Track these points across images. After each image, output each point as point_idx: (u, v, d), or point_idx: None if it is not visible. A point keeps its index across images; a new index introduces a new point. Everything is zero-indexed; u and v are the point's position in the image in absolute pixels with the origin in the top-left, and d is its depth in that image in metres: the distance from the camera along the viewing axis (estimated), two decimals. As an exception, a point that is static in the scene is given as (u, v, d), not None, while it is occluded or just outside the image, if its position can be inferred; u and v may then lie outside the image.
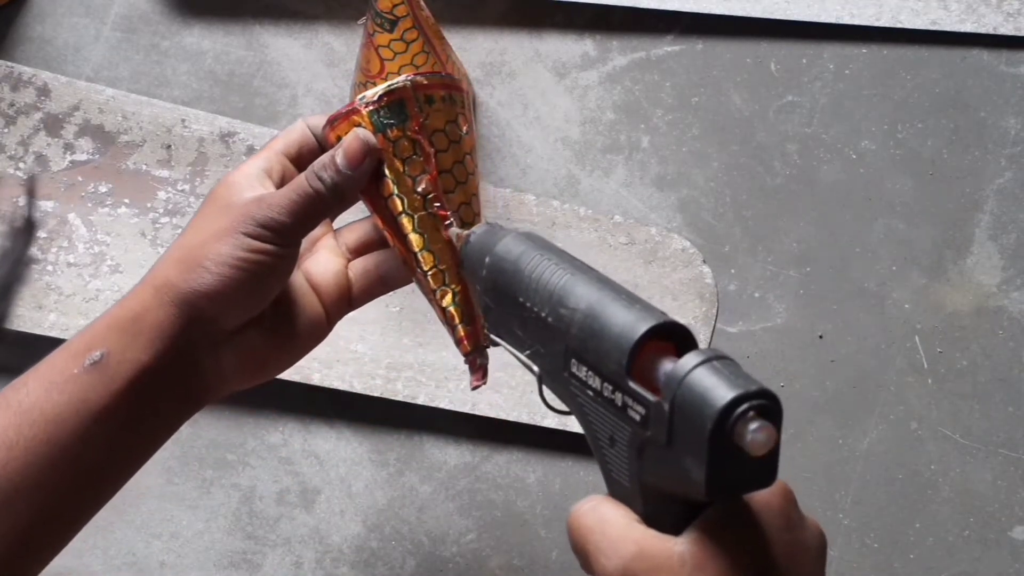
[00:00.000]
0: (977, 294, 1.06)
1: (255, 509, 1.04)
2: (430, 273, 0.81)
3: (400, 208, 0.80)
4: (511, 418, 1.03)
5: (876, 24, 1.08)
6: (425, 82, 0.79)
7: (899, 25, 1.08)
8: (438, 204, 0.80)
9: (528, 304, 0.72)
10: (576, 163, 1.08)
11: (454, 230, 0.80)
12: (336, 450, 1.04)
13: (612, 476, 0.68)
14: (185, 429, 1.04)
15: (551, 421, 1.02)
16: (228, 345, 0.78)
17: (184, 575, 1.03)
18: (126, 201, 1.06)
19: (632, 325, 0.66)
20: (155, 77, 1.09)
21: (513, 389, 1.03)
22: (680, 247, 1.05)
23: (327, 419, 1.05)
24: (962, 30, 1.08)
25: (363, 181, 0.79)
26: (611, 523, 0.66)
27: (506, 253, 0.74)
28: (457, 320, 0.81)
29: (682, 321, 0.67)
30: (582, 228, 1.05)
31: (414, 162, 0.79)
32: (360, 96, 0.79)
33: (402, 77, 0.79)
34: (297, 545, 1.03)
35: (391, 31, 1.01)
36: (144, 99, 1.08)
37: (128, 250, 1.05)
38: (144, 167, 1.07)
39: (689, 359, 0.63)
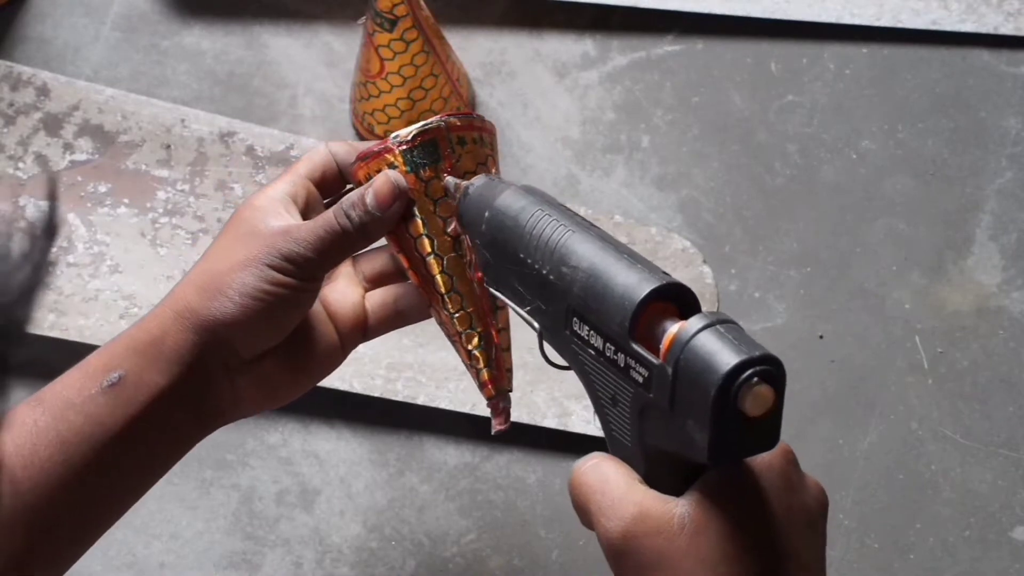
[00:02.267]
0: (977, 294, 1.06)
1: (255, 509, 1.04)
2: (457, 316, 0.80)
3: (429, 249, 0.79)
4: (511, 418, 1.02)
5: (876, 24, 1.09)
6: (459, 123, 0.79)
7: (899, 25, 1.09)
8: (468, 247, 0.79)
9: (529, 261, 0.71)
10: (576, 163, 1.08)
11: (451, 179, 0.79)
12: (336, 450, 1.04)
13: (613, 435, 0.68)
14: (185, 429, 1.04)
15: (551, 421, 1.02)
16: (244, 372, 0.78)
17: (184, 575, 1.03)
18: (126, 201, 1.06)
19: (635, 286, 0.65)
20: (155, 77, 1.09)
21: (513, 390, 1.03)
22: (680, 247, 1.05)
23: (327, 419, 1.05)
24: (962, 30, 1.08)
25: (391, 223, 0.78)
26: (612, 483, 0.66)
27: (506, 208, 0.73)
28: (482, 364, 0.81)
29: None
30: (582, 228, 1.05)
31: (445, 203, 0.79)
32: (394, 135, 0.79)
33: (436, 118, 0.79)
34: (297, 545, 1.03)
35: (391, 31, 1.01)
36: (144, 99, 1.08)
37: (128, 250, 1.05)
38: (144, 167, 1.06)
39: (693, 323, 0.62)
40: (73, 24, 1.10)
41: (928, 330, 1.05)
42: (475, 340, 0.80)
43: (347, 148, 0.82)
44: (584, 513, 0.67)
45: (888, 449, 1.04)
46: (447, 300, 0.80)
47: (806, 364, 1.05)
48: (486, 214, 0.74)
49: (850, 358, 1.05)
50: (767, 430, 0.63)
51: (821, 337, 1.05)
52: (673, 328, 0.63)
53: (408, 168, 0.78)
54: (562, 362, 0.71)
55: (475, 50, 1.09)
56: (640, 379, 0.64)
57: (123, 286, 1.04)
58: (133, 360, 0.75)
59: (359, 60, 1.04)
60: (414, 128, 0.78)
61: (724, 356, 0.61)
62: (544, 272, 0.70)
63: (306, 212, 0.80)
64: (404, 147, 0.78)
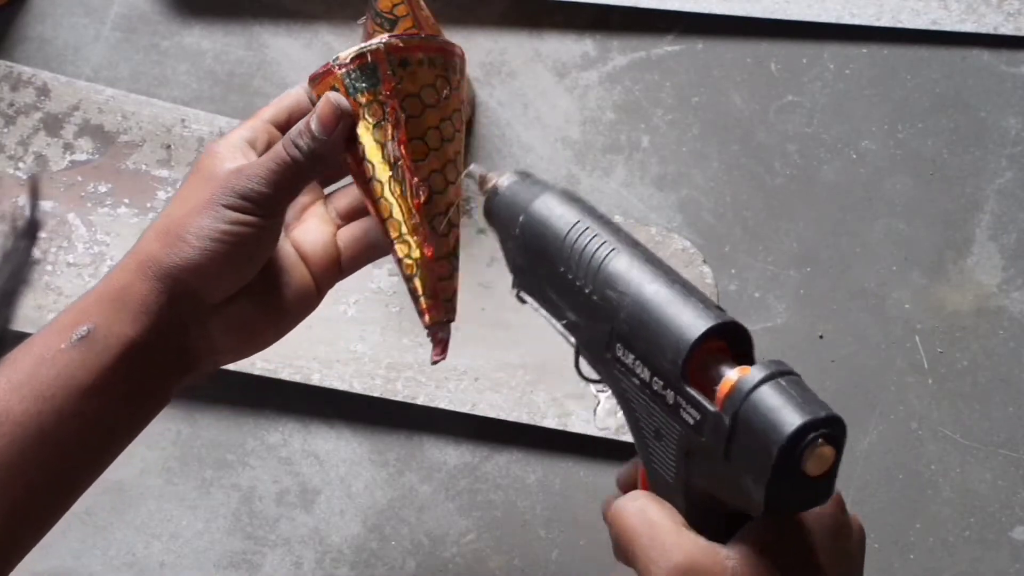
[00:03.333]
0: (977, 294, 1.06)
1: (255, 509, 1.04)
2: (395, 242, 0.79)
3: (370, 173, 0.78)
4: (511, 418, 1.03)
5: (876, 24, 1.08)
6: (400, 44, 0.77)
7: (899, 25, 1.08)
8: (407, 171, 0.78)
9: (569, 276, 0.68)
10: (576, 163, 1.08)
11: (476, 168, 0.75)
12: (336, 450, 1.04)
13: (655, 468, 0.66)
14: (185, 429, 1.04)
15: (551, 421, 1.02)
16: (215, 317, 0.77)
17: (184, 575, 1.03)
18: (126, 201, 1.06)
19: (690, 324, 0.62)
20: (155, 77, 1.09)
21: (513, 389, 1.03)
22: (680, 247, 1.05)
23: (327, 419, 1.05)
24: (962, 30, 1.08)
25: (340, 145, 0.78)
26: (660, 528, 0.65)
27: (544, 216, 0.69)
28: (420, 291, 0.79)
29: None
30: (582, 228, 1.05)
31: (384, 127, 0.77)
32: (334, 57, 0.78)
33: (376, 39, 0.77)
34: (297, 545, 1.03)
35: (391, 31, 1.01)
36: (144, 99, 1.08)
37: (127, 250, 1.05)
38: (144, 167, 1.06)
39: (754, 373, 0.60)
40: (73, 24, 1.10)
41: (928, 330, 1.05)
42: (412, 267, 0.79)
43: None
44: (628, 556, 0.66)
45: (888, 449, 1.04)
46: (388, 225, 0.79)
47: (806, 364, 1.05)
48: (520, 218, 0.71)
49: (850, 358, 1.05)
50: (823, 486, 0.62)
51: (821, 337, 1.05)
52: (731, 375, 0.61)
53: (348, 91, 0.77)
54: (596, 376, 0.69)
55: (475, 50, 1.09)
56: (691, 421, 0.62)
57: (123, 286, 1.04)
58: (102, 313, 0.75)
59: (359, 60, 1.04)
60: (353, 50, 0.77)
61: (787, 415, 0.59)
62: (587, 291, 0.67)
63: None
64: (343, 70, 0.77)
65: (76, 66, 1.09)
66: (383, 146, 0.77)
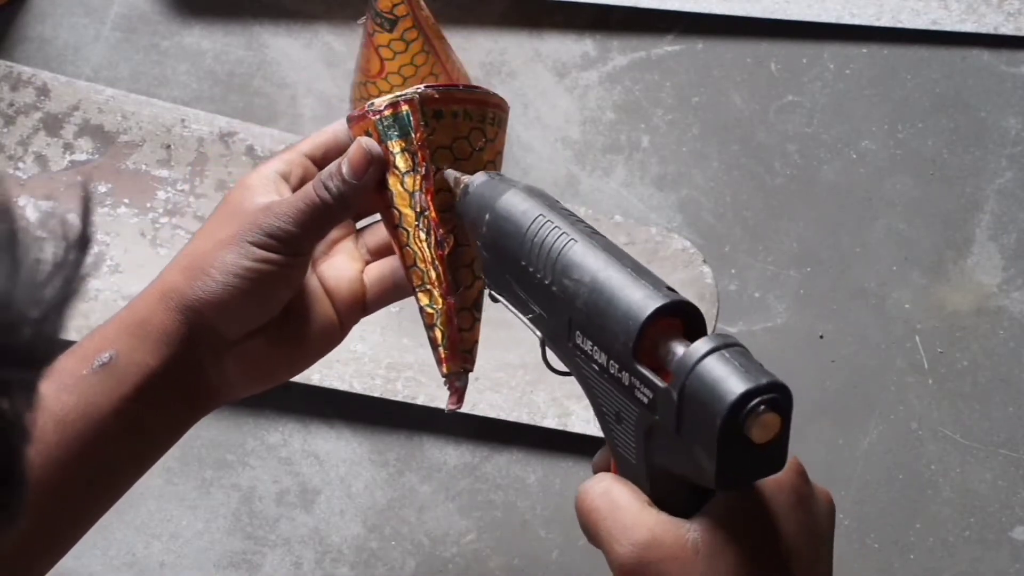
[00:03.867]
0: (977, 294, 1.06)
1: (255, 509, 1.04)
2: (418, 290, 0.79)
3: (397, 220, 0.78)
4: (511, 418, 1.03)
5: (876, 24, 1.09)
6: (436, 96, 0.77)
7: (899, 25, 1.09)
8: (433, 222, 0.78)
9: (531, 269, 0.69)
10: (576, 163, 1.08)
11: (450, 172, 0.77)
12: (336, 450, 1.04)
13: (619, 451, 0.67)
14: (185, 429, 1.04)
15: (551, 421, 1.02)
16: (234, 352, 0.77)
17: (183, 575, 1.03)
18: (126, 201, 1.06)
19: (639, 304, 0.64)
20: (155, 77, 1.09)
21: (513, 389, 1.03)
22: (680, 247, 1.05)
23: (327, 419, 1.05)
24: (962, 30, 1.08)
25: (369, 190, 0.77)
26: (623, 508, 0.65)
27: (508, 212, 0.71)
28: (439, 341, 0.79)
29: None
30: (582, 228, 1.05)
31: (413, 176, 0.77)
32: (370, 102, 0.78)
33: (412, 88, 0.77)
34: (297, 545, 1.03)
35: (391, 31, 1.01)
36: (144, 99, 1.08)
37: (128, 250, 1.05)
38: (144, 167, 1.06)
39: (699, 346, 0.61)
40: (73, 24, 1.10)
41: (928, 330, 1.05)
42: (433, 316, 0.79)
43: None
44: (594, 537, 0.67)
45: (888, 449, 1.04)
46: (411, 273, 0.79)
47: (806, 364, 1.05)
48: (487, 216, 0.72)
49: (850, 358, 1.05)
50: (774, 454, 0.63)
51: (821, 337, 1.05)
52: (679, 351, 0.62)
53: (380, 138, 0.77)
54: (565, 368, 0.70)
55: (475, 50, 1.09)
56: (645, 400, 0.64)
57: (123, 286, 1.04)
58: (123, 341, 0.75)
59: (359, 60, 1.04)
60: (388, 97, 0.77)
61: (730, 384, 0.60)
62: (546, 283, 0.68)
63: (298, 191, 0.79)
64: (376, 116, 0.77)
65: (76, 66, 1.10)
66: (411, 195, 0.77)
